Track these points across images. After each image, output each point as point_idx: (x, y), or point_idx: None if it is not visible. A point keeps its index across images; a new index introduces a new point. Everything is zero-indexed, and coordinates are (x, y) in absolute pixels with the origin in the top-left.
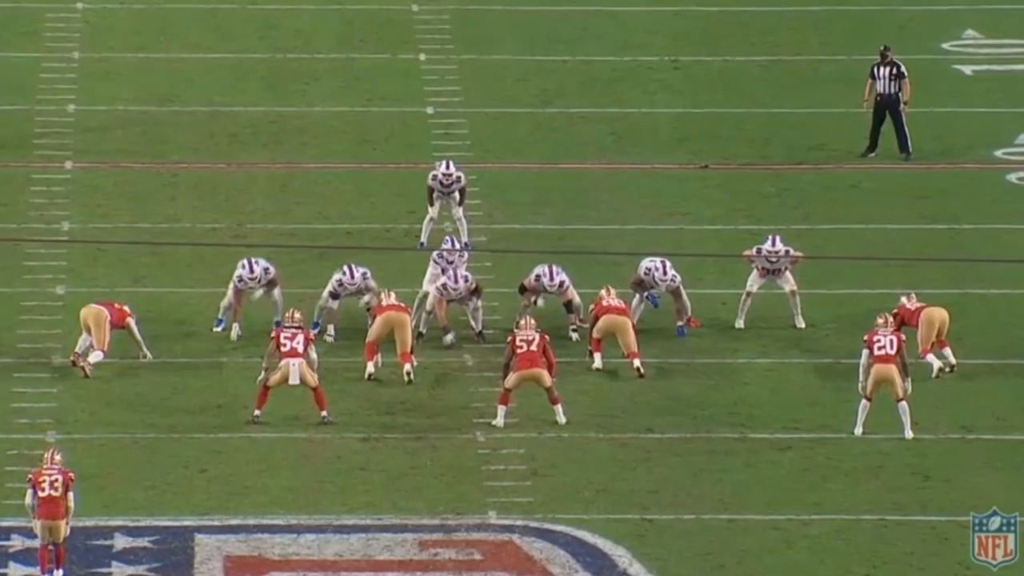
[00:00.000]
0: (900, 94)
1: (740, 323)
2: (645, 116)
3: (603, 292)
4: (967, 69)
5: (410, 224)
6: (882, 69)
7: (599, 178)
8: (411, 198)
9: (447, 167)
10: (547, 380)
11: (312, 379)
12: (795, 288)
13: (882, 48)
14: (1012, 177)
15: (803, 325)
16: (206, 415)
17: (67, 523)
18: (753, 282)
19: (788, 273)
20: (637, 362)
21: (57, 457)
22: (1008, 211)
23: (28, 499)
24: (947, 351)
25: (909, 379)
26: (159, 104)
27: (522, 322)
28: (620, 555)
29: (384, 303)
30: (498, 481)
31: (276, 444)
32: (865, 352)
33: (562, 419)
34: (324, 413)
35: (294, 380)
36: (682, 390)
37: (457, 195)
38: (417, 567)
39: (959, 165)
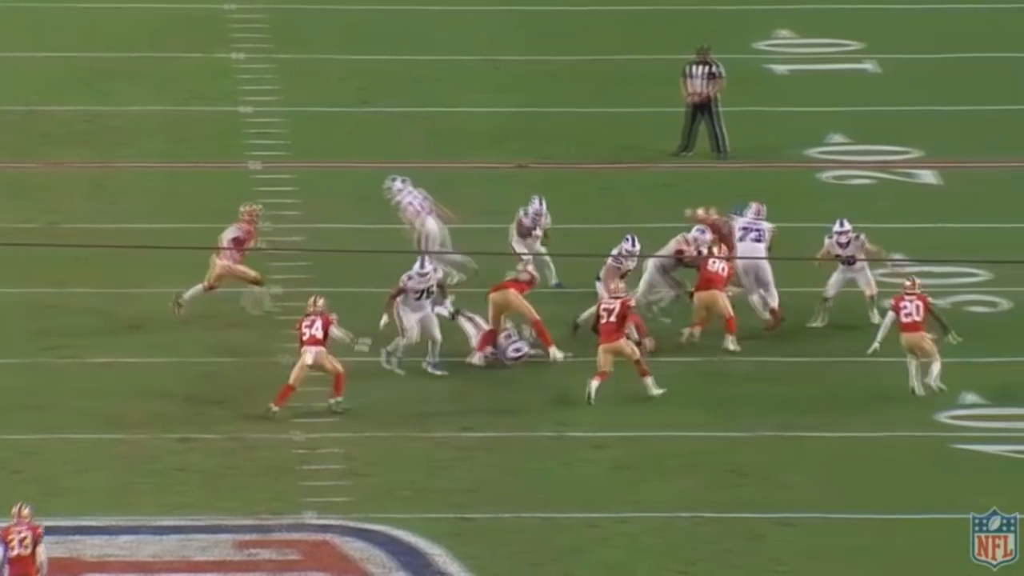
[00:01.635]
0: (713, 92)
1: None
2: (464, 115)
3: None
4: (780, 68)
5: (225, 224)
6: (697, 68)
7: (418, 178)
8: (227, 199)
9: (539, 204)
10: (627, 351)
11: (331, 365)
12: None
13: (699, 47)
14: (825, 176)
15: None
16: (21, 415)
17: None
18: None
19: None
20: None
21: (25, 512)
22: (822, 210)
23: None
24: (729, 339)
25: (951, 333)
26: None
27: (612, 285)
28: (437, 554)
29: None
30: (315, 481)
31: (92, 445)
32: (891, 315)
33: (655, 391)
34: (337, 399)
35: (308, 360)
36: (499, 389)
37: (540, 232)
38: (234, 568)
39: (773, 164)
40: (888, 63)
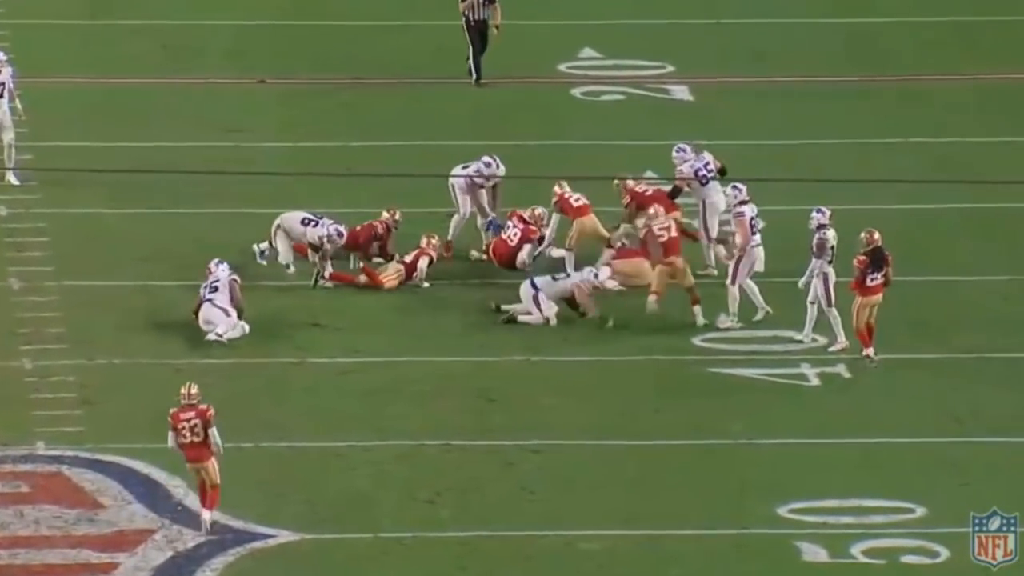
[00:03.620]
0: (490, 19)
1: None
2: (199, 29)
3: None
4: None
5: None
6: None
7: (153, 93)
8: None
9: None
10: (690, 277)
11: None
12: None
13: None
14: (577, 92)
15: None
16: None
17: (215, 464)
18: None
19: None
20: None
21: (194, 391)
22: (573, 127)
23: (170, 442)
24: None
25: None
26: None
27: (651, 211)
28: (176, 485)
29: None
30: (46, 410)
31: None
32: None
33: (701, 320)
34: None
35: None
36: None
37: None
38: None
39: (526, 80)
40: None
